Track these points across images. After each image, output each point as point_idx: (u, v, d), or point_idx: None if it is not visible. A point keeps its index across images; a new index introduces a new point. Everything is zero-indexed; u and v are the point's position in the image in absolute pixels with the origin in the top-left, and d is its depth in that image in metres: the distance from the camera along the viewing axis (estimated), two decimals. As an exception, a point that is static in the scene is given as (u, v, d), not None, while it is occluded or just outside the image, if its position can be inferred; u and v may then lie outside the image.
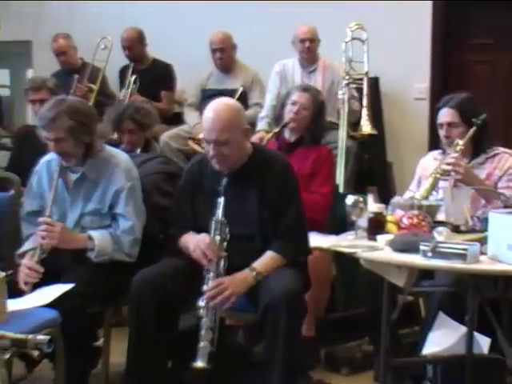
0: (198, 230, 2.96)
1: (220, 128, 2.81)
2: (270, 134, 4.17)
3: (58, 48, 5.53)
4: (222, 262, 2.82)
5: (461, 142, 3.15)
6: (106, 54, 5.34)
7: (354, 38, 4.84)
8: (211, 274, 2.80)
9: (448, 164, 3.09)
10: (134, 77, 5.20)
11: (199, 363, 2.64)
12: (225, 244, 2.84)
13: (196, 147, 4.81)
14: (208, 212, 2.91)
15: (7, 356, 2.38)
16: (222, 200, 2.85)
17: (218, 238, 2.82)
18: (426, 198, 3.09)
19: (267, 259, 2.87)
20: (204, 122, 2.90)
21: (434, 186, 3.14)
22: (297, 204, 2.97)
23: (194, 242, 2.87)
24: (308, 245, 3.05)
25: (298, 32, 4.93)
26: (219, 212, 2.84)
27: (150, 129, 4.05)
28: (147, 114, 4.00)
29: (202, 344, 2.66)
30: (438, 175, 3.13)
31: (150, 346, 2.80)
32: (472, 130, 3.15)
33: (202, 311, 2.73)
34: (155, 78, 5.28)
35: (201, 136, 4.76)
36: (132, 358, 2.85)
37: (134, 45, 5.41)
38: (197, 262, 2.85)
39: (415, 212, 2.83)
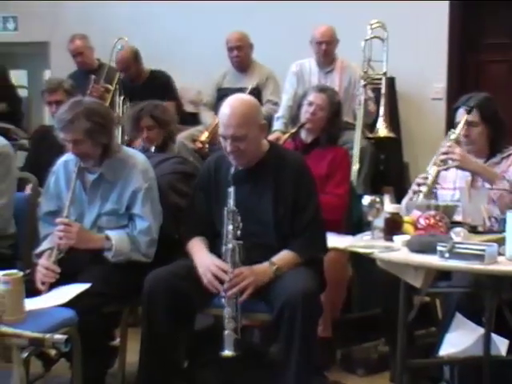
0: (213, 229, 2.97)
1: (237, 123, 2.83)
2: (287, 135, 4.17)
3: (75, 49, 5.57)
4: (237, 250, 2.82)
5: (456, 131, 3.15)
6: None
7: (373, 37, 4.83)
8: (228, 259, 2.81)
9: (443, 154, 3.10)
10: (121, 98, 5.21)
11: (227, 352, 2.68)
12: (238, 232, 2.83)
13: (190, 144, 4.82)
14: (223, 209, 2.90)
15: (25, 355, 2.41)
16: (232, 189, 2.83)
17: (230, 227, 2.81)
18: (430, 192, 3.09)
19: (286, 256, 2.88)
20: (220, 117, 2.92)
21: (435, 180, 3.13)
22: (314, 201, 2.98)
23: (203, 265, 2.86)
24: (325, 242, 3.05)
25: (315, 33, 4.92)
26: (231, 201, 2.82)
27: (168, 127, 4.07)
28: (165, 110, 4.03)
29: (226, 332, 2.70)
30: (437, 167, 3.13)
31: (162, 346, 2.81)
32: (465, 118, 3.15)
33: (223, 301, 2.75)
34: (155, 90, 5.15)
35: (203, 138, 4.81)
36: (144, 357, 2.86)
37: (130, 65, 5.34)
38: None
39: (432, 213, 2.81)
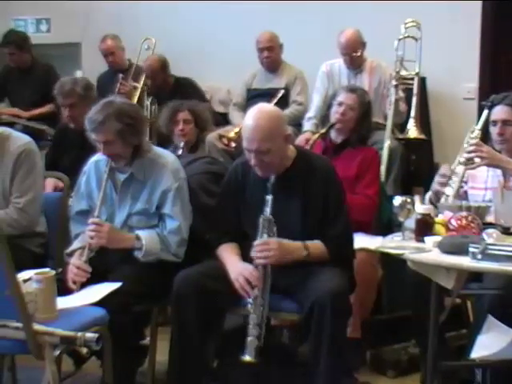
0: (242, 232, 2.96)
1: (261, 137, 2.78)
2: (317, 135, 4.15)
3: (106, 49, 5.62)
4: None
5: (477, 127, 3.12)
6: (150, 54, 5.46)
7: (407, 36, 4.79)
8: (260, 267, 2.78)
9: (469, 152, 3.06)
10: (150, 99, 5.23)
11: (247, 357, 2.67)
12: None
13: (222, 145, 4.82)
14: (252, 213, 2.89)
15: (57, 352, 2.43)
16: (270, 197, 2.80)
17: (265, 236, 2.79)
18: (457, 192, 3.07)
19: (319, 246, 2.87)
20: (244, 130, 2.86)
21: (462, 179, 3.11)
22: (344, 213, 2.94)
23: (235, 271, 2.83)
24: (353, 253, 3.03)
25: (339, 41, 4.85)
26: (267, 210, 2.79)
27: (203, 127, 4.10)
28: (205, 110, 4.08)
29: (249, 339, 2.68)
30: (464, 166, 3.10)
31: (191, 346, 2.81)
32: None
33: (249, 307, 2.73)
34: (182, 98, 5.21)
35: (231, 135, 4.80)
36: (174, 357, 2.87)
37: (157, 74, 5.35)
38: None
39: (464, 213, 2.78)
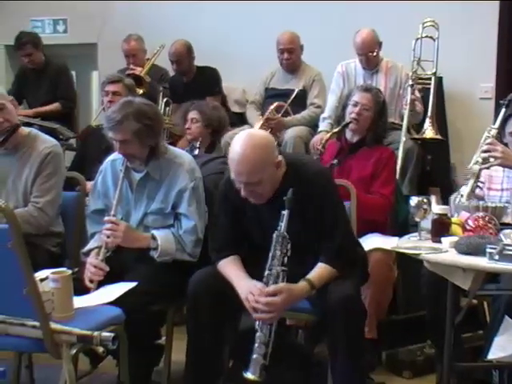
0: (243, 241, 2.90)
1: (249, 171, 2.63)
2: (329, 134, 4.15)
3: (129, 50, 5.63)
4: (281, 277, 2.69)
5: (494, 126, 3.10)
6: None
7: (424, 36, 4.78)
8: (270, 285, 2.67)
9: (484, 151, 3.05)
10: (164, 100, 5.26)
11: (250, 375, 2.59)
12: (285, 259, 2.68)
13: None
14: (255, 223, 2.84)
15: (74, 351, 2.45)
16: (286, 212, 2.65)
17: (278, 252, 2.67)
18: (472, 192, 3.05)
19: (324, 274, 2.74)
20: (231, 162, 2.69)
21: (477, 179, 3.09)
22: (341, 222, 2.82)
23: (244, 290, 2.70)
24: (358, 257, 2.92)
25: (355, 41, 4.83)
26: (282, 225, 2.65)
27: (216, 128, 4.11)
28: (217, 110, 4.08)
29: (254, 356, 2.59)
30: (479, 166, 3.08)
31: (207, 347, 2.80)
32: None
33: (257, 325, 2.65)
34: (202, 86, 5.22)
35: None
36: (190, 357, 2.86)
37: (183, 59, 5.40)
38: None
39: (481, 214, 2.77)
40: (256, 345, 2.61)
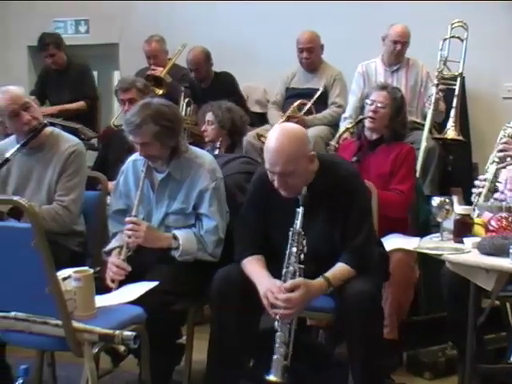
0: (267, 243, 2.90)
1: (284, 161, 2.67)
2: (342, 130, 4.16)
3: (150, 51, 5.65)
4: (297, 274, 2.70)
5: (510, 125, 3.07)
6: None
7: (452, 37, 4.76)
8: (288, 281, 2.68)
9: (500, 151, 3.02)
10: (186, 100, 5.27)
11: (272, 377, 2.58)
12: (302, 256, 2.71)
13: (260, 144, 4.81)
14: (279, 223, 2.83)
15: (95, 350, 2.46)
16: (301, 210, 2.69)
17: (294, 249, 2.69)
18: (492, 191, 3.03)
19: (342, 273, 2.75)
20: (266, 152, 2.73)
21: (496, 178, 3.07)
22: (367, 222, 2.84)
23: (263, 287, 2.71)
24: (379, 259, 2.92)
25: (391, 31, 4.86)
26: (297, 222, 2.69)
27: (233, 129, 4.12)
28: (233, 111, 4.09)
29: (275, 357, 2.60)
30: (496, 165, 3.06)
31: (230, 345, 2.80)
32: None
33: (277, 324, 2.66)
34: (220, 92, 5.13)
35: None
36: (213, 356, 2.87)
37: (201, 66, 5.39)
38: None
39: (504, 214, 2.75)
40: (276, 345, 2.61)
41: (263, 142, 4.70)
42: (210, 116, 4.18)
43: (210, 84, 5.43)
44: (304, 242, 2.70)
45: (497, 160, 3.08)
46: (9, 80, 4.77)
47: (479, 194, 3.07)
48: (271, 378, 2.58)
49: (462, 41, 4.77)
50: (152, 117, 3.01)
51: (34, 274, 2.36)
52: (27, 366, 2.35)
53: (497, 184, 3.08)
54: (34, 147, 3.31)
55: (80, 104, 5.76)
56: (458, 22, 4.78)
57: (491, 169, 3.09)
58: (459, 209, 2.82)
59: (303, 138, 2.77)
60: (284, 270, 2.71)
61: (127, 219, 3.06)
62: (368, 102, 3.84)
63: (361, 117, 3.86)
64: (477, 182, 3.11)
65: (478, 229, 2.80)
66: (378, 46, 4.98)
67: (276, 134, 2.72)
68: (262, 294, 2.69)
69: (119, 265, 2.98)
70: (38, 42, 5.83)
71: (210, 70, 5.46)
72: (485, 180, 3.08)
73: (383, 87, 3.92)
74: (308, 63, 5.18)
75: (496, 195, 3.09)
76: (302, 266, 2.70)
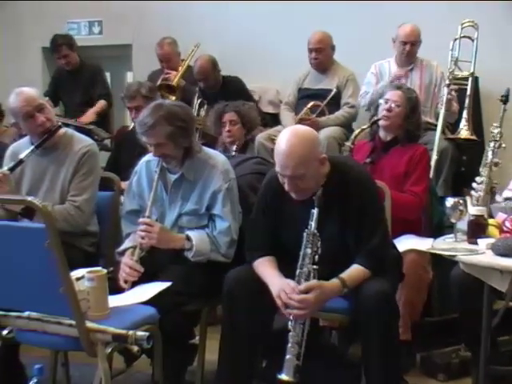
0: (279, 245, 2.90)
1: (294, 164, 2.65)
2: (358, 130, 4.15)
3: (163, 54, 5.66)
4: (312, 275, 2.70)
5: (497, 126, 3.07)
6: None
7: (463, 36, 4.74)
8: (302, 283, 2.68)
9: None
10: (199, 100, 5.27)
11: (284, 376, 2.59)
12: (316, 257, 2.70)
13: (272, 145, 4.79)
14: (291, 225, 2.84)
15: (109, 350, 2.46)
16: (315, 211, 2.69)
17: (308, 250, 2.69)
18: (490, 193, 3.03)
19: (357, 274, 2.74)
20: (276, 155, 2.71)
21: (490, 180, 3.08)
22: (381, 224, 2.83)
23: (276, 287, 2.71)
24: (393, 260, 2.92)
25: (400, 32, 4.85)
26: (312, 224, 2.68)
27: (251, 127, 4.11)
28: (251, 109, 4.08)
29: (287, 357, 2.60)
30: (488, 167, 3.05)
31: (242, 346, 2.80)
32: None
33: (290, 324, 2.65)
34: (230, 96, 5.04)
35: None
36: (224, 356, 2.87)
37: (209, 75, 5.34)
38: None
39: (519, 215, 2.74)
40: (289, 345, 2.61)
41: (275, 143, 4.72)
42: (232, 115, 4.14)
43: (219, 90, 5.36)
44: (319, 243, 2.69)
45: (489, 162, 3.06)
46: (23, 81, 4.79)
47: (478, 199, 3.06)
48: (283, 376, 2.58)
49: (472, 41, 4.75)
50: (165, 117, 3.02)
51: (47, 274, 2.37)
52: (41, 366, 2.36)
53: (493, 185, 3.08)
54: (48, 148, 3.33)
55: (102, 103, 5.77)
56: (469, 21, 4.75)
57: (485, 171, 3.08)
58: (473, 210, 2.81)
59: (314, 140, 2.75)
60: (298, 271, 2.70)
61: (141, 220, 3.07)
62: (382, 101, 3.84)
63: (375, 118, 3.85)
64: (475, 185, 3.10)
65: (492, 230, 2.79)
66: (391, 46, 4.96)
67: (286, 137, 2.70)
68: (275, 294, 2.69)
69: (132, 266, 2.98)
70: (51, 44, 5.85)
71: (218, 77, 5.40)
72: (481, 183, 3.07)
73: (398, 87, 3.92)
74: (317, 63, 5.17)
75: (509, 194, 3.08)
76: (316, 267, 2.70)
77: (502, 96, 3.16)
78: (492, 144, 3.18)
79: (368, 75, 5.03)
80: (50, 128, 3.29)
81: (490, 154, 3.16)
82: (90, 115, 5.64)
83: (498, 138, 3.19)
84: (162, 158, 3.10)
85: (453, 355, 3.49)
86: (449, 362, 3.47)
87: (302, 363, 2.60)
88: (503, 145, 3.23)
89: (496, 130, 3.13)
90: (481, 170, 3.16)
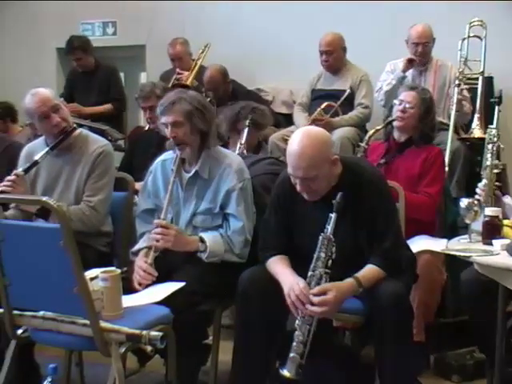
0: (292, 245, 2.90)
1: (306, 166, 2.65)
2: (372, 131, 4.14)
3: (174, 54, 5.68)
4: (323, 279, 2.69)
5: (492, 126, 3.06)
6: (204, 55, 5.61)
7: (471, 36, 4.72)
8: (313, 284, 2.68)
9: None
10: (208, 99, 5.20)
11: (286, 372, 2.61)
12: (329, 262, 2.68)
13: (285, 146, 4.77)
14: (304, 225, 2.84)
15: (122, 350, 2.47)
16: (334, 216, 2.66)
17: (322, 254, 2.67)
18: (489, 196, 3.00)
19: (372, 274, 2.74)
20: (289, 156, 2.71)
21: (492, 182, 3.06)
22: (394, 224, 2.82)
23: (287, 284, 2.71)
24: (407, 261, 2.90)
25: (411, 33, 4.83)
26: (329, 228, 2.66)
27: (264, 129, 4.10)
28: (264, 113, 4.07)
29: (291, 355, 2.61)
30: (489, 170, 3.03)
31: (255, 346, 2.80)
32: None
33: (296, 323, 2.66)
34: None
35: None
36: (238, 357, 2.87)
37: (219, 86, 5.31)
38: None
39: (534, 216, 2.73)
40: (294, 343, 2.63)
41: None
42: (246, 123, 4.12)
43: (229, 99, 5.27)
44: (333, 248, 2.68)
45: (489, 164, 3.05)
46: (38, 82, 4.83)
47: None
48: (285, 372, 2.61)
49: (481, 40, 4.73)
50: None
51: (62, 274, 2.39)
52: (56, 365, 2.37)
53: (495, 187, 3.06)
54: (63, 148, 3.34)
55: (107, 107, 5.80)
56: (477, 21, 4.74)
57: (487, 174, 3.06)
58: (488, 210, 2.80)
59: (326, 141, 2.75)
60: (310, 273, 2.70)
61: (156, 222, 3.06)
62: (396, 101, 3.83)
63: (390, 119, 3.85)
64: (478, 191, 3.07)
65: (507, 231, 2.78)
66: (406, 47, 4.95)
67: (298, 138, 2.70)
68: (286, 293, 2.71)
69: (146, 269, 2.98)
70: (66, 45, 5.88)
71: (228, 88, 5.36)
72: (485, 186, 3.05)
73: (412, 87, 3.91)
74: (327, 66, 5.15)
75: None
76: (328, 271, 2.69)
77: (494, 97, 3.13)
78: (490, 146, 3.14)
79: (383, 74, 5.01)
80: (65, 128, 3.30)
81: (488, 156, 3.12)
82: (89, 110, 5.68)
83: (495, 140, 3.15)
84: (177, 145, 3.09)
85: (467, 356, 3.48)
86: (463, 364, 3.46)
87: (305, 362, 2.61)
88: (501, 146, 3.20)
89: (493, 132, 3.11)
90: (482, 173, 3.14)
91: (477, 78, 4.71)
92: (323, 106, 4.94)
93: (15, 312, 2.61)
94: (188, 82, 5.34)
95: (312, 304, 2.62)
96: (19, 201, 3.20)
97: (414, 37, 4.83)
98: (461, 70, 4.70)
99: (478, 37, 4.74)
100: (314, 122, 4.78)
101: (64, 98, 5.66)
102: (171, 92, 3.20)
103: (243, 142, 4.04)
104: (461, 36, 4.74)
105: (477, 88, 4.71)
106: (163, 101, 3.12)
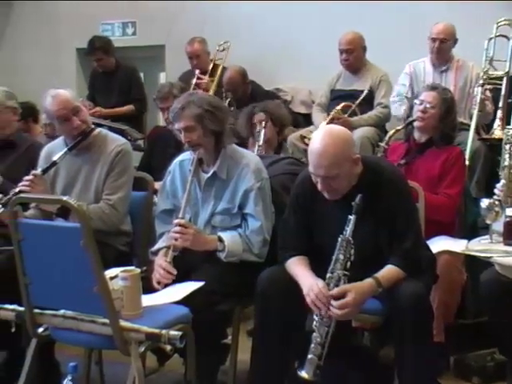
0: (312, 245, 2.90)
1: (328, 164, 2.65)
2: (392, 131, 4.12)
3: (193, 52, 5.71)
4: (342, 281, 2.68)
5: None
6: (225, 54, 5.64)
7: (498, 35, 4.69)
8: (331, 286, 2.68)
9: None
10: (227, 100, 5.24)
11: (304, 374, 2.62)
12: (348, 264, 2.68)
13: (304, 146, 4.77)
14: (323, 225, 2.84)
15: (142, 349, 2.48)
16: (353, 217, 2.66)
17: (341, 256, 2.67)
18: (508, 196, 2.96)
19: (391, 274, 2.73)
20: (310, 155, 2.71)
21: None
22: (414, 224, 2.81)
23: (306, 285, 2.71)
24: (427, 261, 2.88)
25: (433, 29, 4.81)
26: (348, 230, 2.66)
27: (282, 124, 4.11)
28: (279, 106, 4.08)
29: (309, 356, 2.62)
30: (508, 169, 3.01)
31: (274, 346, 2.80)
32: None
33: (314, 325, 2.66)
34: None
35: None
36: (256, 357, 2.87)
37: (238, 87, 5.34)
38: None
39: (555, 217, 2.70)
40: (312, 345, 2.63)
41: (307, 144, 4.71)
42: (261, 116, 4.14)
43: (249, 99, 5.28)
44: (352, 250, 2.67)
45: (507, 164, 3.02)
46: (58, 82, 4.86)
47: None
48: (303, 374, 2.62)
49: (508, 39, 4.69)
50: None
51: (82, 273, 2.40)
52: (76, 364, 2.38)
53: None
54: (82, 148, 3.36)
55: (129, 108, 5.83)
56: (504, 20, 4.70)
57: (505, 174, 3.03)
58: (509, 211, 2.78)
59: (348, 140, 2.75)
60: (328, 275, 2.70)
61: (175, 221, 3.06)
62: (417, 101, 3.81)
63: (410, 119, 3.83)
64: (497, 191, 3.04)
65: (528, 231, 2.75)
66: (426, 47, 4.92)
67: (320, 137, 2.71)
68: (305, 293, 2.70)
69: (166, 268, 2.98)
70: (88, 45, 5.91)
71: (247, 89, 5.38)
72: (502, 186, 3.02)
73: (433, 87, 3.88)
74: (347, 65, 5.14)
75: None
76: (347, 273, 2.68)
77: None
78: (507, 146, 3.11)
79: (401, 76, 4.99)
80: (85, 130, 3.32)
81: (506, 156, 3.09)
82: (112, 112, 5.72)
83: None
84: (192, 147, 3.10)
85: (488, 358, 3.45)
86: (484, 365, 3.42)
87: (323, 363, 2.62)
88: None
89: (510, 132, 3.08)
90: (500, 173, 3.11)
91: (500, 78, 4.67)
92: (341, 105, 4.93)
93: (36, 311, 2.63)
94: (212, 92, 5.31)
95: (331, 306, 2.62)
96: (40, 200, 3.22)
97: (433, 32, 4.80)
98: (485, 69, 4.66)
99: (505, 36, 4.70)
100: (332, 121, 4.77)
101: (88, 98, 5.72)
102: (180, 97, 3.20)
103: (261, 143, 4.05)
104: (481, 35, 4.70)
105: (499, 88, 4.67)
106: (173, 107, 3.12)
